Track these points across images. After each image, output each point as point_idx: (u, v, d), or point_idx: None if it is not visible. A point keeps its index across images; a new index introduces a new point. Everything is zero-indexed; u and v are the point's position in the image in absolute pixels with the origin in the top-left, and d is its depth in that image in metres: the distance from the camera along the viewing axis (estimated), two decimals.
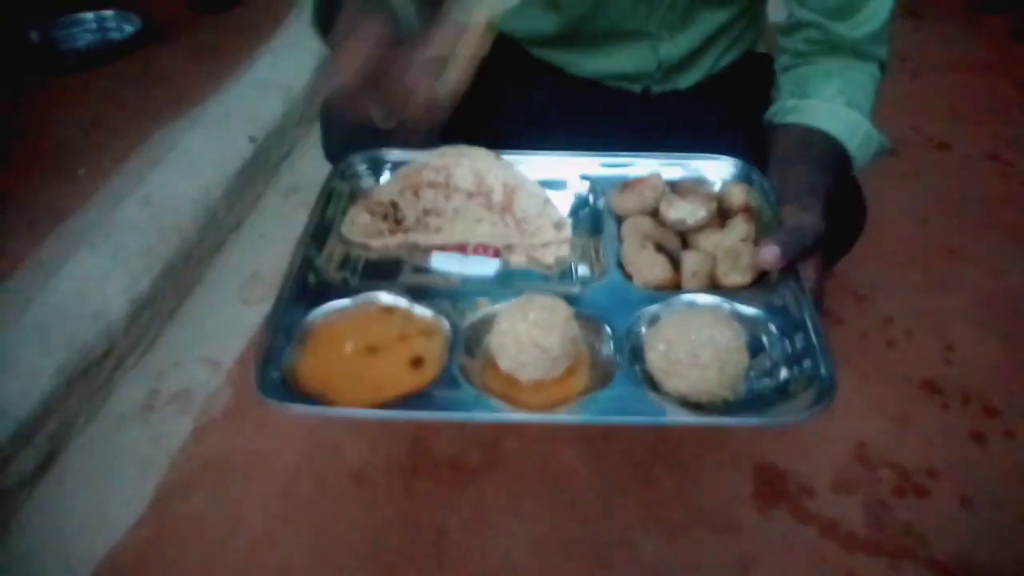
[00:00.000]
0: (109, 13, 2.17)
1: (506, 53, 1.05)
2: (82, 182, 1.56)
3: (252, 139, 1.63)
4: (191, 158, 1.57)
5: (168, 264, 1.35)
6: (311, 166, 1.74)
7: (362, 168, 0.88)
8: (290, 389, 0.64)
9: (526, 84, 1.02)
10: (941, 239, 1.56)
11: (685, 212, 0.77)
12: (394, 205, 0.82)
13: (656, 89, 1.02)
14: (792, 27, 0.90)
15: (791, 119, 0.86)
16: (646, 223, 0.78)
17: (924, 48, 2.17)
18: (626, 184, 0.82)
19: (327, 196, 0.84)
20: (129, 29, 2.12)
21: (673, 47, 0.96)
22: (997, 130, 1.90)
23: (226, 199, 1.53)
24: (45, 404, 1.09)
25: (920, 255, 1.52)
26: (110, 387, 1.24)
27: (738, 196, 0.80)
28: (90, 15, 2.17)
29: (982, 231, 1.57)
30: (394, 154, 0.87)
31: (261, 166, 1.68)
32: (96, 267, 1.28)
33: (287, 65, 1.92)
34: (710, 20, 0.95)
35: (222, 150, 1.61)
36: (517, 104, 0.99)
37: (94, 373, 1.19)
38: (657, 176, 0.82)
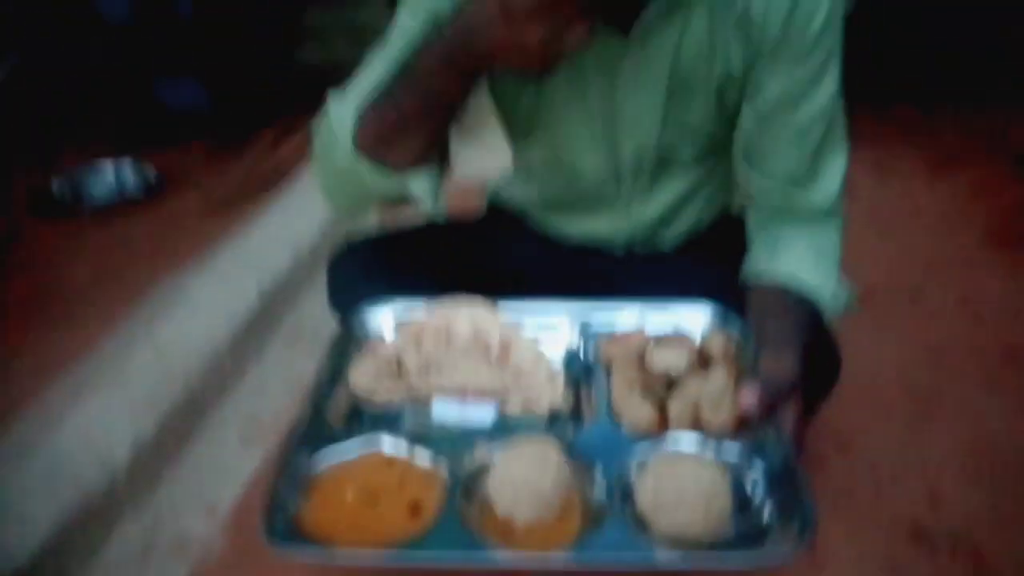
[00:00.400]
0: (127, 162, 2.24)
1: (500, 223, 1.15)
2: (90, 328, 1.61)
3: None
4: (199, 306, 1.63)
5: (172, 410, 1.38)
6: (316, 316, 1.79)
7: (367, 319, 0.94)
8: (294, 535, 0.68)
9: (519, 251, 1.11)
10: (918, 385, 1.59)
11: (669, 362, 0.83)
12: (398, 356, 0.87)
13: (640, 250, 1.10)
14: (755, 193, 0.98)
15: (765, 278, 0.94)
16: (633, 370, 0.84)
17: (890, 202, 2.29)
18: (614, 336, 0.89)
19: (334, 347, 0.90)
20: (145, 181, 2.21)
21: (644, 211, 1.05)
22: (966, 278, 1.98)
23: (231, 347, 1.58)
24: (43, 552, 1.09)
25: (899, 402, 1.55)
26: (108, 533, 1.23)
27: (718, 344, 0.86)
28: (110, 165, 2.24)
29: (957, 377, 1.62)
30: (398, 305, 0.94)
31: (267, 315, 1.74)
32: (102, 413, 1.31)
33: (296, 216, 2.02)
34: (676, 185, 1.03)
35: (229, 299, 1.67)
36: (510, 270, 1.07)
37: (93, 520, 1.19)
38: (641, 333, 0.89)
